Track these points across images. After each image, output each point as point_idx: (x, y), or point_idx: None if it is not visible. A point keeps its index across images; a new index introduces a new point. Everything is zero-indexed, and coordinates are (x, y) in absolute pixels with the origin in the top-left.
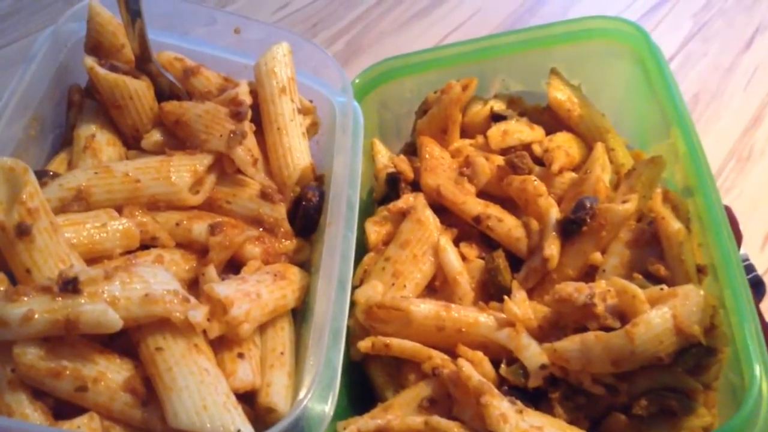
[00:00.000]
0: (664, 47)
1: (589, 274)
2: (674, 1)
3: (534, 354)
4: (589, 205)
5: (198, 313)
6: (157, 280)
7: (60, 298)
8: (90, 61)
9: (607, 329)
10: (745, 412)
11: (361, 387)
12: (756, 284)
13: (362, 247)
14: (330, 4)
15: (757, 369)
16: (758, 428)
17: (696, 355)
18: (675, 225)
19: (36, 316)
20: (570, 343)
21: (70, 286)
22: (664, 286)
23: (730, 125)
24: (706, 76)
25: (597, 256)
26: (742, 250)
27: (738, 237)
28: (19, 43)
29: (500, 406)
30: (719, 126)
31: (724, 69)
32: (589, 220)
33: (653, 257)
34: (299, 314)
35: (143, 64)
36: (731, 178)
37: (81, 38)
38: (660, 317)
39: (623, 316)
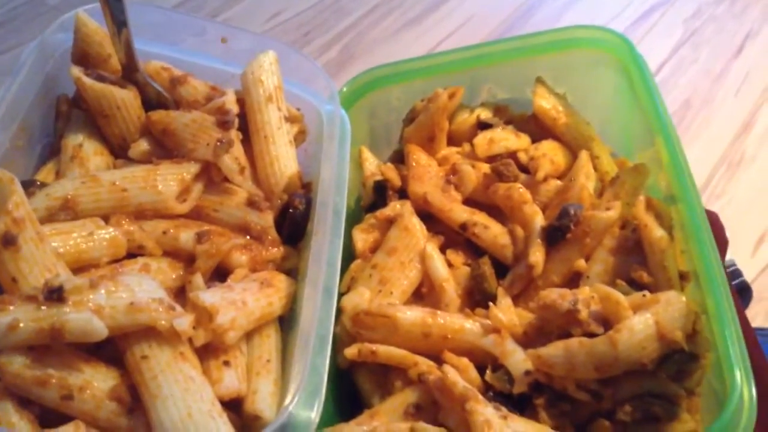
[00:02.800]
0: (655, 54)
1: (574, 280)
2: (665, 8)
3: (519, 360)
4: (573, 212)
5: (183, 321)
6: (143, 289)
7: (45, 307)
8: (77, 71)
9: (591, 335)
10: (726, 418)
11: (348, 394)
12: (742, 290)
13: (350, 255)
14: (322, 13)
15: (738, 375)
16: None
17: (678, 360)
18: (658, 232)
19: (21, 324)
20: (554, 349)
21: (55, 295)
22: (647, 293)
23: (721, 131)
24: (696, 82)
25: (581, 263)
26: (729, 256)
27: (724, 243)
28: (12, 53)
29: (485, 412)
30: (710, 132)
31: (714, 75)
32: (573, 227)
33: (636, 264)
34: (286, 322)
35: (130, 73)
36: (722, 183)
37: (68, 48)
38: (642, 323)
39: (607, 322)
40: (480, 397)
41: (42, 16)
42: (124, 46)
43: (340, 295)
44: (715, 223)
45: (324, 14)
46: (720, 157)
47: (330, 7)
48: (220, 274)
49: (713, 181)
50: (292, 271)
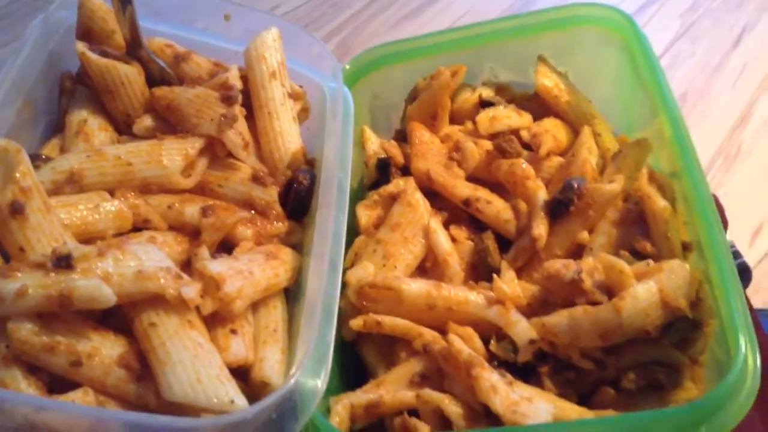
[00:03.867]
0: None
1: (577, 253)
2: (662, 1)
3: (523, 329)
4: (576, 186)
5: (191, 290)
6: (150, 258)
7: (53, 274)
8: (81, 46)
9: (595, 304)
10: (731, 381)
11: (353, 368)
12: (742, 271)
13: (353, 232)
14: (320, 6)
15: (743, 340)
16: (741, 399)
17: (682, 328)
18: (661, 203)
19: (30, 291)
20: (558, 318)
21: (63, 262)
22: (650, 261)
23: (718, 124)
24: (693, 75)
25: (584, 236)
26: (728, 238)
27: (724, 224)
28: (10, 47)
29: (490, 378)
30: (707, 124)
31: (711, 68)
32: (576, 200)
33: (639, 235)
34: (291, 295)
35: (134, 50)
36: (719, 176)
37: (72, 25)
38: (646, 291)
39: (610, 291)
40: (485, 363)
41: (36, 12)
42: (128, 22)
43: (344, 270)
44: (716, 204)
45: (322, 7)
46: (717, 149)
47: (328, 1)
48: (224, 249)
49: (710, 173)
50: (297, 246)
